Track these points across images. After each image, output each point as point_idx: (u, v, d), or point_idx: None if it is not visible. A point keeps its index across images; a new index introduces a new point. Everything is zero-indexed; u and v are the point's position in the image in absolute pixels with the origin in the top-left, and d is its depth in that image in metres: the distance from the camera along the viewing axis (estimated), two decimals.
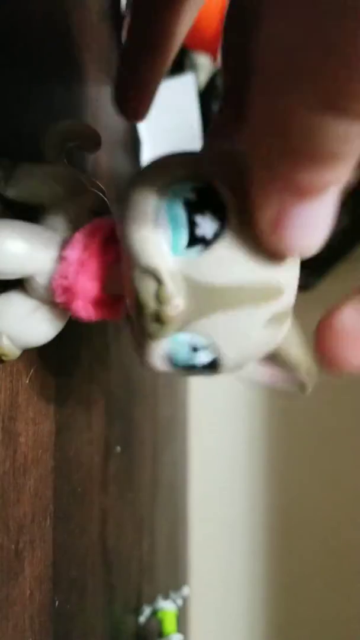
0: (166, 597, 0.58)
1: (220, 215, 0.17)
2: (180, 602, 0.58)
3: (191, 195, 0.18)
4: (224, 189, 0.18)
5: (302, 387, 0.23)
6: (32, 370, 0.25)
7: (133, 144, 0.57)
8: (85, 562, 0.34)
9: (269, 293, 0.18)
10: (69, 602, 0.30)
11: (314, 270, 0.89)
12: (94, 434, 0.36)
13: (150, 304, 0.18)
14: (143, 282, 0.18)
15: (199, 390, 0.97)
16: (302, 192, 0.14)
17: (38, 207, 0.21)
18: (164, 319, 0.18)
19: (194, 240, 0.17)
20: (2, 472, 0.22)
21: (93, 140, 0.23)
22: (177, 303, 0.18)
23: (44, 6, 0.28)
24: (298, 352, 0.22)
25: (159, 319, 0.18)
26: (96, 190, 0.22)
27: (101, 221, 0.20)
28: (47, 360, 0.27)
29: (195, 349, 0.19)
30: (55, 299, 0.20)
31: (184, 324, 0.18)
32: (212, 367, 0.19)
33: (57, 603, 0.28)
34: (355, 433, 0.90)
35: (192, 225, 0.17)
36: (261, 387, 0.23)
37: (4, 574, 0.22)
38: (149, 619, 0.51)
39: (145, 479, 0.55)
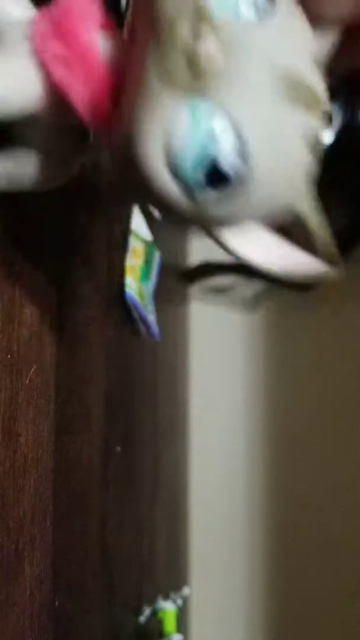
0: (166, 597, 0.58)
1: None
2: (180, 602, 0.58)
3: None
4: None
5: (330, 258, 0.18)
6: (32, 370, 0.25)
7: None
8: (86, 562, 0.34)
9: (309, 99, 0.15)
10: (69, 602, 0.30)
11: None
12: (94, 434, 0.36)
13: (185, 33, 0.14)
14: (179, 18, 0.14)
15: (199, 390, 0.97)
16: None
17: None
18: (200, 55, 0.14)
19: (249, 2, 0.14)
20: (2, 472, 0.22)
21: None
22: (216, 46, 0.14)
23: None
24: (320, 223, 0.18)
25: (192, 55, 0.14)
26: None
27: None
28: (47, 360, 0.27)
29: (215, 134, 0.14)
30: (41, 27, 0.16)
31: (210, 91, 0.14)
32: (234, 176, 0.15)
33: (57, 603, 0.28)
34: (356, 433, 0.90)
35: None
36: (283, 274, 0.18)
37: (4, 574, 0.22)
38: (149, 619, 0.51)
39: (146, 479, 0.55)
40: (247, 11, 0.14)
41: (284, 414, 0.97)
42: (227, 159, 0.14)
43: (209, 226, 0.16)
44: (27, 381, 0.25)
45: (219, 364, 0.99)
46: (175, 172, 0.14)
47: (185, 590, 0.66)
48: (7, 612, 0.22)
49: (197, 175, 0.14)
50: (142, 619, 0.50)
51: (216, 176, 0.14)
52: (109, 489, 0.39)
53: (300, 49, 0.15)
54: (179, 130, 0.14)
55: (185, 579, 0.88)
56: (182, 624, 0.64)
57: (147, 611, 0.51)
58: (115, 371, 0.42)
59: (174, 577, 0.74)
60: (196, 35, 0.13)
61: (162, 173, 0.14)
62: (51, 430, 0.27)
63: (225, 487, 0.99)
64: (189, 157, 0.14)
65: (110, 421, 0.40)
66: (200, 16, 0.14)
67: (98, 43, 0.16)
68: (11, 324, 0.23)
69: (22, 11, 0.16)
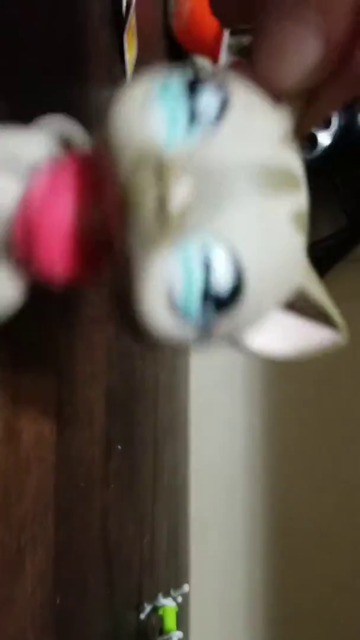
0: (167, 594, 0.58)
1: (223, 93, 0.15)
2: (180, 599, 0.58)
3: (186, 77, 0.15)
4: (226, 67, 0.15)
5: (338, 330, 0.18)
6: (34, 369, 0.25)
7: None
8: (87, 559, 0.34)
9: (289, 180, 0.15)
10: (70, 600, 0.30)
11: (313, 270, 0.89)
12: (95, 433, 0.36)
13: (149, 190, 0.13)
14: (137, 168, 0.14)
15: (199, 390, 0.97)
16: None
17: None
18: (168, 212, 0.13)
19: (196, 118, 0.14)
20: (4, 470, 0.22)
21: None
22: (184, 186, 0.14)
23: (46, 9, 0.28)
24: (320, 289, 0.17)
25: (162, 209, 0.13)
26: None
27: (76, 149, 0.17)
28: (48, 359, 0.27)
29: (209, 262, 0.14)
30: (16, 241, 0.15)
31: (192, 227, 0.14)
32: (233, 292, 0.14)
33: (58, 600, 0.28)
34: (356, 433, 0.90)
35: (191, 101, 0.14)
36: (293, 354, 0.18)
37: (6, 571, 0.22)
38: (149, 616, 0.51)
39: (146, 477, 0.55)
40: (200, 125, 0.14)
41: (283, 414, 0.97)
42: (224, 284, 0.14)
43: (219, 340, 0.16)
44: (30, 379, 0.25)
45: (219, 364, 0.99)
46: (179, 314, 0.14)
47: (186, 588, 0.66)
48: (8, 610, 0.23)
49: (199, 309, 0.14)
50: (142, 616, 0.50)
51: (215, 301, 0.14)
52: (110, 487, 0.39)
53: (265, 134, 0.15)
54: (175, 281, 0.14)
55: (186, 576, 0.88)
56: (182, 621, 0.65)
57: (147, 608, 0.51)
58: (116, 370, 0.42)
59: (174, 575, 0.74)
60: (158, 187, 0.13)
61: (165, 321, 0.15)
62: (53, 428, 0.28)
63: (225, 485, 0.99)
64: (190, 299, 0.14)
65: (111, 419, 0.40)
66: (157, 167, 0.13)
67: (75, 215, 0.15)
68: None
69: (14, 187, 0.15)
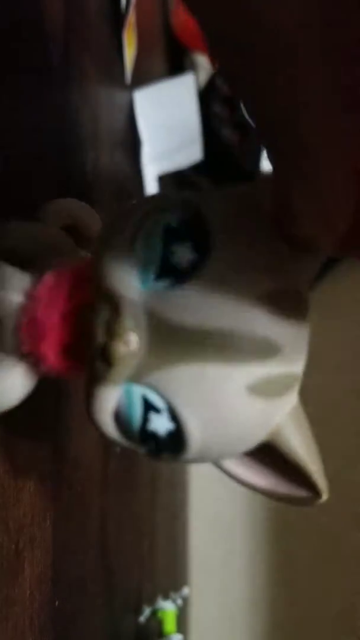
0: (166, 597, 0.58)
1: (203, 248, 0.15)
2: (180, 602, 0.58)
3: (173, 221, 0.15)
4: (213, 217, 0.15)
5: (313, 493, 0.17)
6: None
7: (133, 144, 0.57)
8: (85, 562, 0.34)
9: (255, 348, 0.14)
10: (68, 602, 0.30)
11: None
12: (94, 435, 0.36)
13: (99, 335, 0.14)
14: (98, 310, 0.15)
15: None
16: None
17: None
18: (112, 356, 0.14)
19: (167, 270, 0.15)
20: (2, 472, 0.22)
21: (87, 233, 0.21)
22: (130, 338, 0.14)
23: (46, 6, 0.28)
24: (304, 449, 0.17)
25: (106, 356, 0.14)
26: (83, 252, 0.21)
27: (75, 261, 0.18)
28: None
29: (149, 410, 0.15)
30: (22, 344, 0.17)
31: (141, 374, 0.15)
32: (174, 442, 0.15)
33: (57, 603, 0.28)
34: (356, 432, 0.90)
35: (167, 253, 0.15)
36: (255, 491, 0.18)
37: (4, 574, 0.22)
38: (149, 619, 0.51)
39: (145, 479, 0.55)
40: (169, 279, 0.15)
41: None
42: (162, 429, 0.15)
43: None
44: None
45: None
46: (125, 430, 0.16)
47: (185, 590, 0.66)
48: (6, 612, 0.22)
49: (141, 439, 0.16)
50: (142, 618, 0.50)
51: (156, 439, 0.16)
52: (108, 489, 0.39)
53: (240, 296, 0.14)
54: (120, 404, 0.15)
55: (185, 579, 0.88)
56: (182, 624, 0.64)
57: (147, 611, 0.51)
58: None
59: (173, 577, 0.74)
60: (108, 332, 0.14)
61: (112, 432, 0.16)
62: (51, 430, 0.27)
63: (225, 487, 0.99)
64: (132, 424, 0.16)
65: None
66: (113, 312, 0.14)
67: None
68: None
69: (17, 298, 0.17)
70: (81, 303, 0.16)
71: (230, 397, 0.14)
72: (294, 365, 0.15)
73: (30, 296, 0.17)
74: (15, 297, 0.17)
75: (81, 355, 0.16)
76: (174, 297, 0.14)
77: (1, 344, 0.17)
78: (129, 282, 0.15)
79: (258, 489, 0.18)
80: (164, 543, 0.65)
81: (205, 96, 0.73)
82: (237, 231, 0.15)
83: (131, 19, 0.47)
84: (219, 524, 0.97)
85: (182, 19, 0.71)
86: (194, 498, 0.96)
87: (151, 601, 0.53)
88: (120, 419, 0.16)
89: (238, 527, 0.96)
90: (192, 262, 0.14)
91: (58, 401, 0.29)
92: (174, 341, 0.14)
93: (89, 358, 0.15)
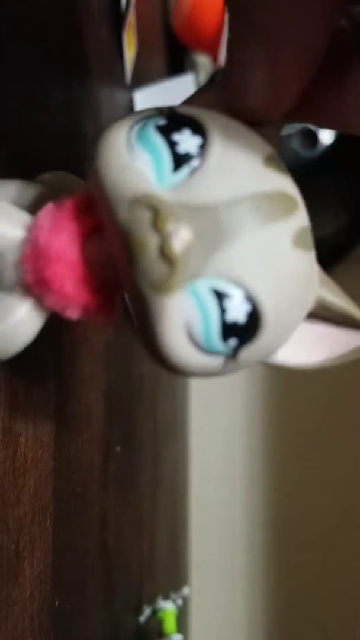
0: (166, 597, 0.58)
1: (200, 130, 0.15)
2: (180, 602, 0.58)
3: (161, 121, 0.15)
4: (187, 109, 0.16)
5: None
6: (32, 370, 0.25)
7: None
8: (86, 562, 0.34)
9: (285, 202, 0.15)
10: (69, 602, 0.30)
11: None
12: (94, 434, 0.36)
13: (149, 238, 0.14)
14: (133, 217, 0.14)
15: (199, 390, 0.97)
16: None
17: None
18: (173, 255, 0.13)
19: (179, 159, 0.15)
20: (2, 472, 0.22)
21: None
22: (184, 231, 0.14)
23: (45, 5, 0.28)
24: (339, 293, 0.17)
25: (166, 257, 0.14)
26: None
27: (74, 193, 0.17)
28: (46, 360, 0.27)
29: (222, 300, 0.14)
30: (27, 278, 0.16)
31: (199, 267, 0.14)
32: (253, 324, 0.15)
33: (57, 603, 0.28)
34: (356, 432, 0.90)
35: (171, 145, 0.15)
36: (321, 362, 0.18)
37: (4, 574, 0.22)
38: (149, 619, 0.51)
39: (146, 479, 0.55)
40: (184, 167, 0.15)
41: (284, 414, 0.97)
42: (241, 317, 0.15)
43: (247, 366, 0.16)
44: (27, 380, 0.25)
45: None
46: (202, 348, 0.15)
47: (186, 590, 0.66)
48: (6, 612, 0.22)
49: (221, 342, 0.15)
50: (142, 618, 0.50)
51: (235, 332, 0.15)
52: (109, 489, 0.39)
53: (250, 163, 0.15)
54: (192, 317, 0.14)
55: (186, 578, 0.88)
56: (182, 624, 0.64)
57: (147, 611, 0.51)
58: (115, 371, 0.42)
59: (174, 577, 0.74)
60: (158, 235, 0.14)
61: (189, 357, 0.15)
62: (51, 430, 0.27)
63: (225, 487, 0.99)
64: (210, 333, 0.15)
65: (110, 421, 0.40)
66: (153, 215, 0.14)
67: (84, 251, 0.16)
68: None
69: (17, 232, 0.16)
70: (90, 226, 0.16)
71: (284, 253, 0.15)
72: (306, 216, 0.16)
73: (31, 227, 0.16)
74: (16, 231, 0.16)
75: (92, 287, 0.16)
76: (197, 182, 0.14)
77: (3, 279, 0.16)
78: (150, 181, 0.14)
79: (319, 364, 0.18)
80: (164, 543, 0.65)
81: None
82: (216, 113, 0.16)
83: (131, 19, 0.47)
84: (218, 524, 0.97)
85: (182, 19, 0.71)
86: (194, 498, 0.96)
87: (151, 601, 0.53)
88: (194, 330, 0.14)
89: (238, 527, 0.96)
90: (199, 144, 0.15)
91: (58, 393, 0.29)
92: (216, 221, 0.14)
93: (138, 276, 0.14)
